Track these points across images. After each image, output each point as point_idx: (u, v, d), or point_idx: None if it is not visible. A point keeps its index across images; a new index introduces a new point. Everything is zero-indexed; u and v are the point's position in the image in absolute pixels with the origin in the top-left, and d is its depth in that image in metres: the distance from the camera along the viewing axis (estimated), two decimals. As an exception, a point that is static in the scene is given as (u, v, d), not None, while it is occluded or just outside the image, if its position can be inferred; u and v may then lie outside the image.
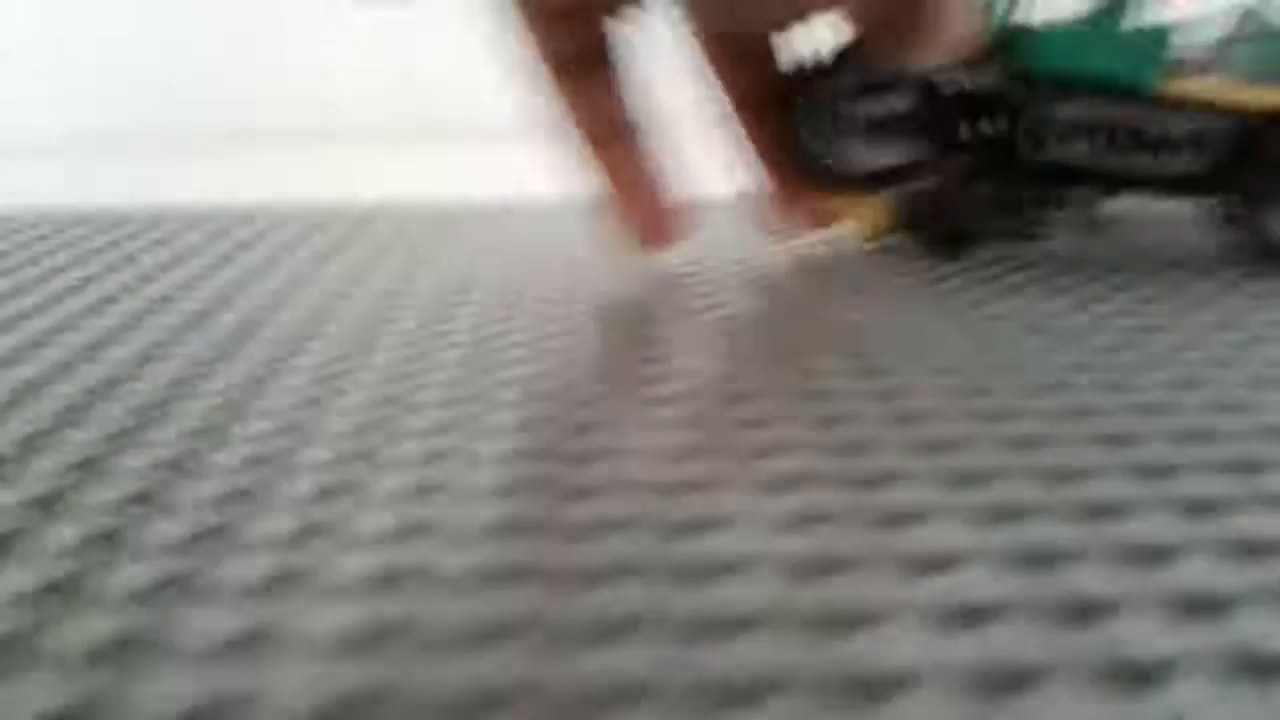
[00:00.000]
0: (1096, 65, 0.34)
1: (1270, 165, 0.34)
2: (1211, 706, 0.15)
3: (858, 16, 0.31)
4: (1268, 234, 0.34)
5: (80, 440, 0.23)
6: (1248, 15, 0.36)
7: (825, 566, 0.18)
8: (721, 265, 0.36)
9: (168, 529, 0.19)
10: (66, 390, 0.26)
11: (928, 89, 0.34)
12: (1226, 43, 0.36)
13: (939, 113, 0.34)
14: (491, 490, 0.20)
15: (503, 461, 0.21)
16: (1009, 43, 0.34)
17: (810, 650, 0.16)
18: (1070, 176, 0.35)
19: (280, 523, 0.19)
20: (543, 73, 0.31)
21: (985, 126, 0.34)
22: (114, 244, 0.41)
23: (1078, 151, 0.34)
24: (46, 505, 0.20)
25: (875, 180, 0.34)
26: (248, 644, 0.16)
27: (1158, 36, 0.33)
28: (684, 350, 0.27)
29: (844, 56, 0.33)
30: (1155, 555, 0.18)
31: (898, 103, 0.34)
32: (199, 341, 0.29)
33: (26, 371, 0.27)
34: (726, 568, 0.18)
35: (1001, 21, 0.34)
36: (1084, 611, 0.16)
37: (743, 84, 0.34)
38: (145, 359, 0.28)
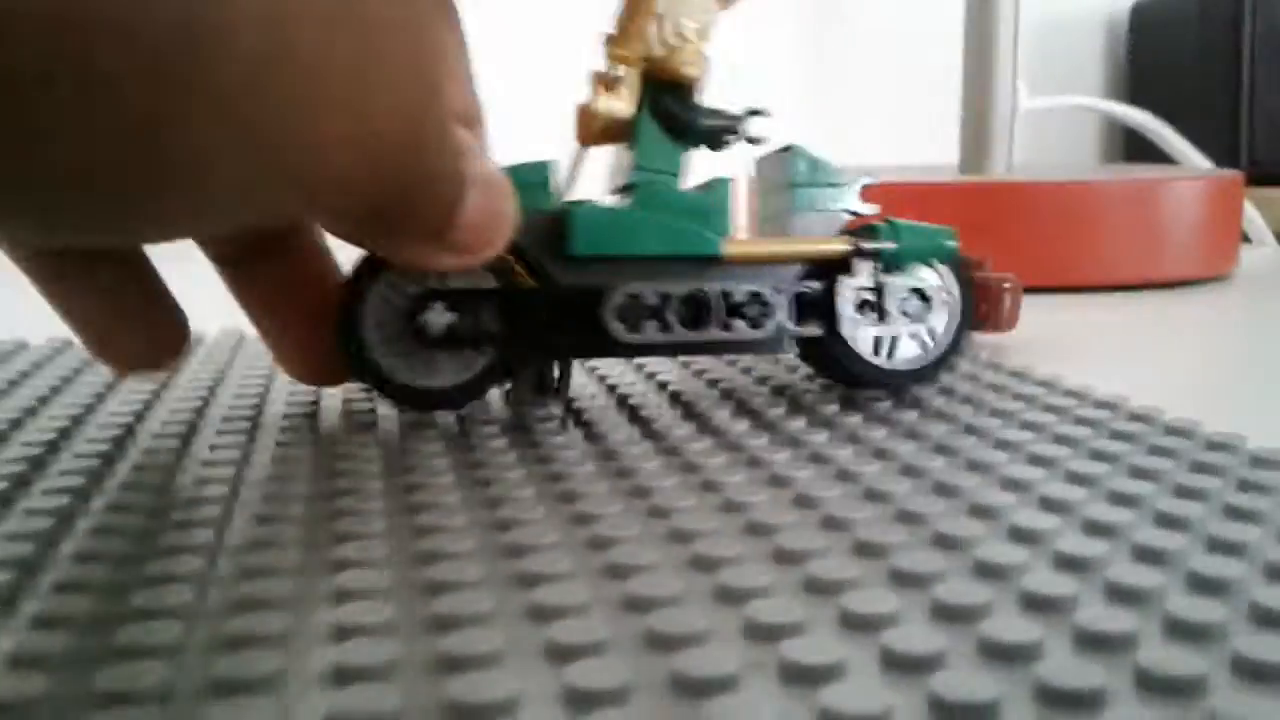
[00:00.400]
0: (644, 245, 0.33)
1: None
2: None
3: (335, 216, 0.25)
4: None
5: None
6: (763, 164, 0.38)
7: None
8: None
9: None
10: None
11: (484, 295, 0.32)
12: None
13: (504, 318, 0.32)
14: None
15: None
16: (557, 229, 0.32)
17: None
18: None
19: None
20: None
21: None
22: None
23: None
24: None
25: (445, 398, 0.32)
26: None
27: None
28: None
29: (372, 263, 0.31)
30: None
31: (450, 315, 0.32)
32: None
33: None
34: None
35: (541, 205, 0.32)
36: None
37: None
38: None
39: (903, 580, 0.22)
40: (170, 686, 0.18)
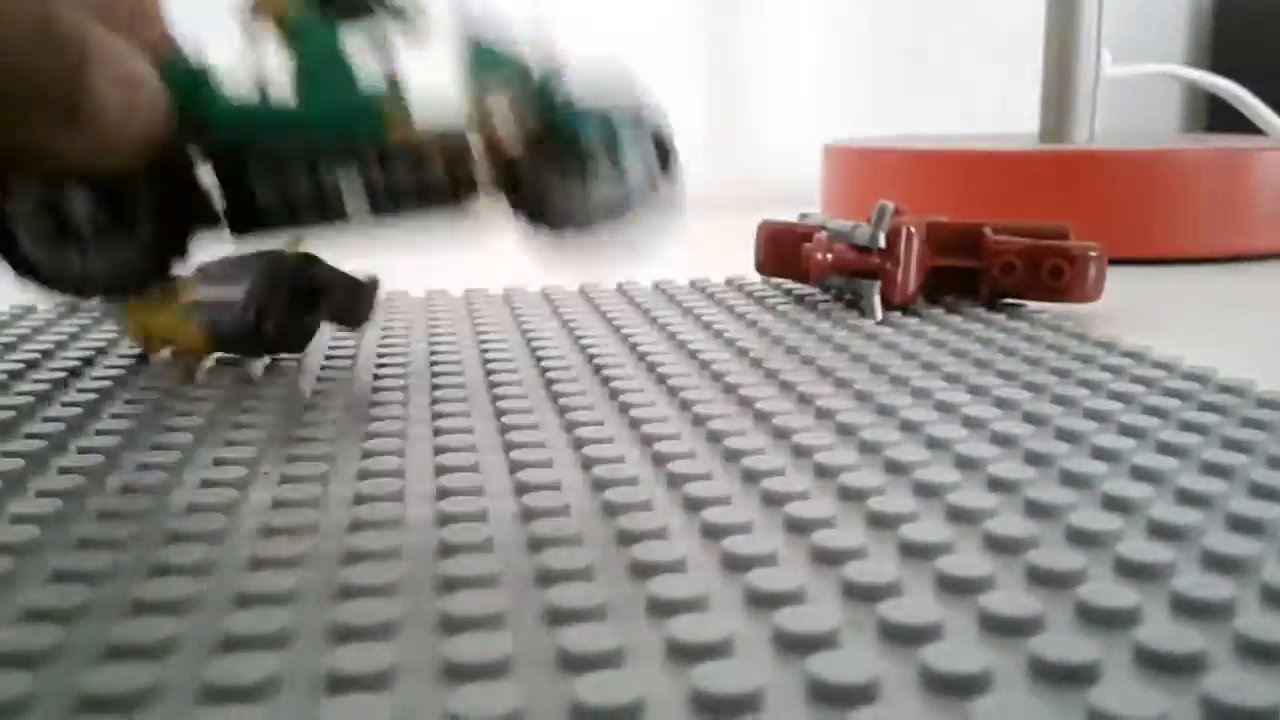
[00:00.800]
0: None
1: None
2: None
3: None
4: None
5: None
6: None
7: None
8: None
9: None
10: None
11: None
12: None
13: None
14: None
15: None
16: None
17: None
18: None
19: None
20: None
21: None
22: None
23: None
24: None
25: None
26: None
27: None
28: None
29: None
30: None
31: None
32: None
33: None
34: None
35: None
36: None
37: None
38: None
39: (996, 545, 0.22)
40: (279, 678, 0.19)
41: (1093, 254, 0.46)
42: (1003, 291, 0.47)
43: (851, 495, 0.25)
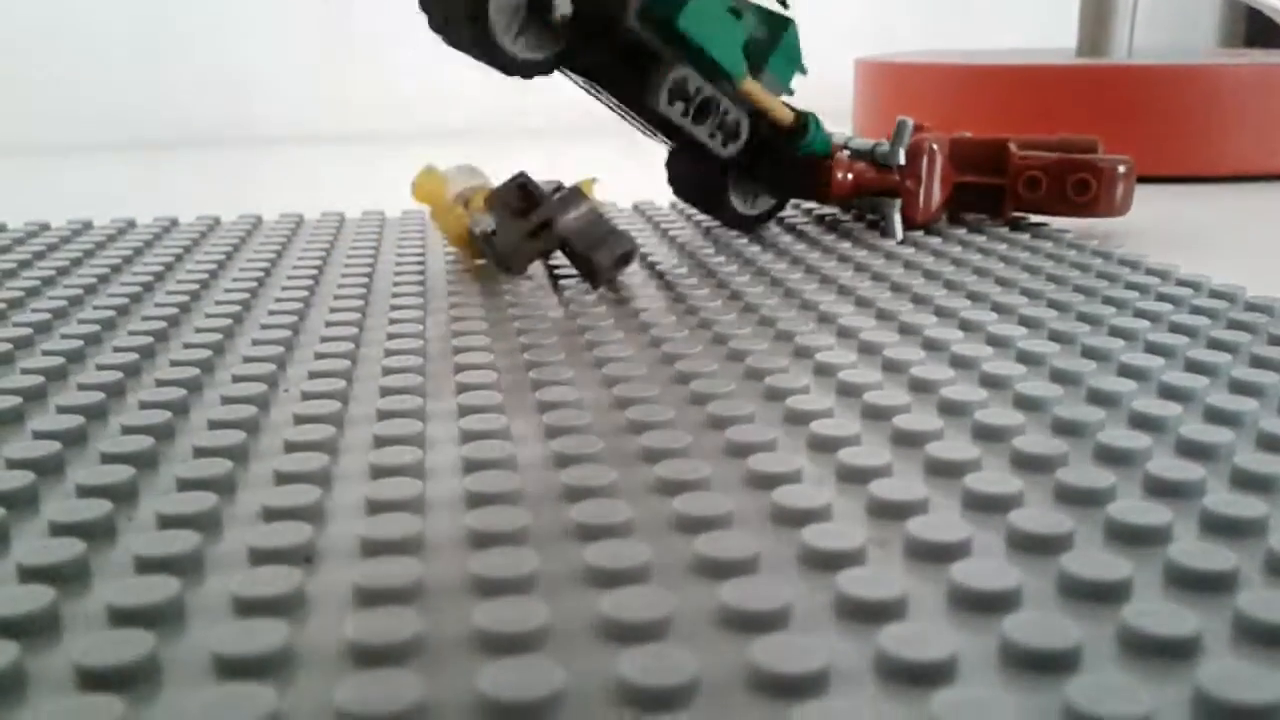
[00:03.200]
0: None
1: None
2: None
3: None
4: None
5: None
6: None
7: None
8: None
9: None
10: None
11: None
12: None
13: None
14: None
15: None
16: None
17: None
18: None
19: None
20: None
21: None
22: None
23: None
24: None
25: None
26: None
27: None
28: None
29: None
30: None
31: None
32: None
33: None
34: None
35: None
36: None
37: None
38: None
39: (1023, 463, 0.22)
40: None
41: (1121, 168, 0.45)
42: (1029, 207, 0.46)
43: (877, 413, 0.25)
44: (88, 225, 0.50)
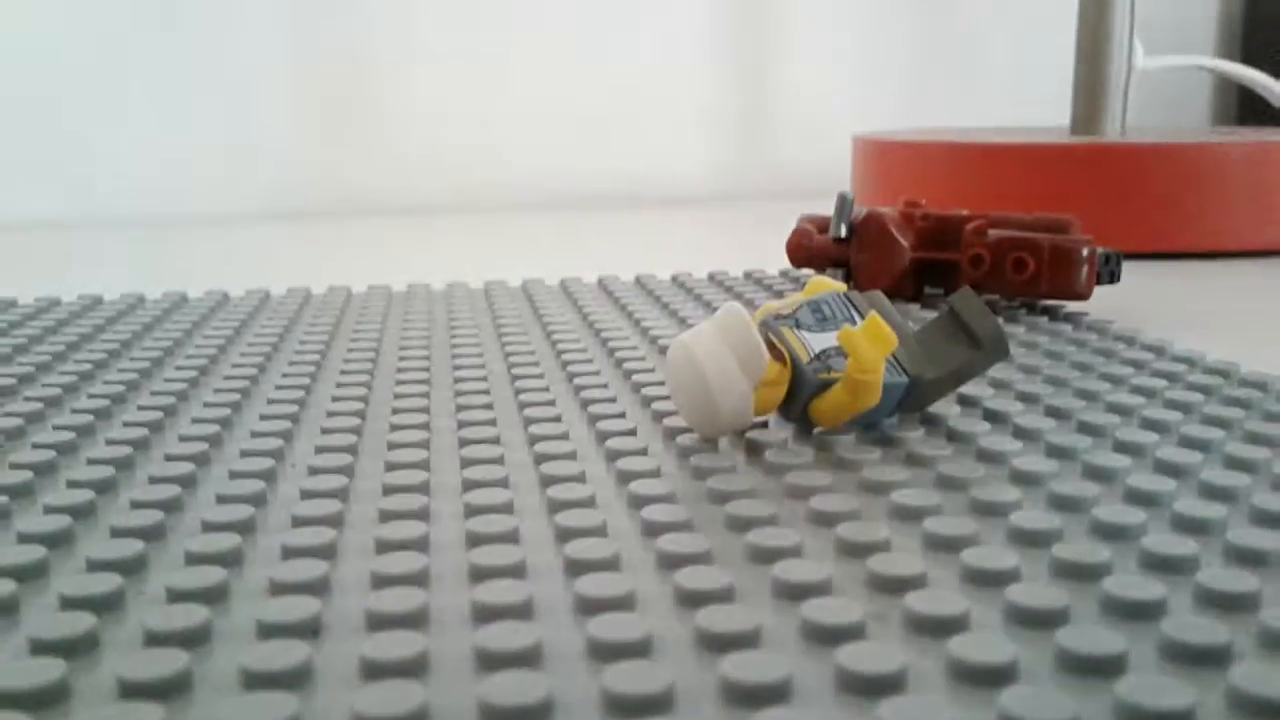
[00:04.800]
0: None
1: None
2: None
3: None
4: None
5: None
6: None
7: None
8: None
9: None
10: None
11: None
12: None
13: None
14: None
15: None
16: None
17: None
18: None
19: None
20: None
21: None
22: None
23: None
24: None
25: None
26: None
27: None
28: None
29: None
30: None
31: None
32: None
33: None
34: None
35: None
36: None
37: None
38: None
39: (1022, 539, 0.22)
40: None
41: (1066, 247, 0.44)
42: (975, 284, 0.46)
43: (876, 489, 0.25)
44: (97, 300, 0.51)
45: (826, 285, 0.31)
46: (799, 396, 0.29)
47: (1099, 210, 0.49)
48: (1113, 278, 0.45)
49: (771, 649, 0.18)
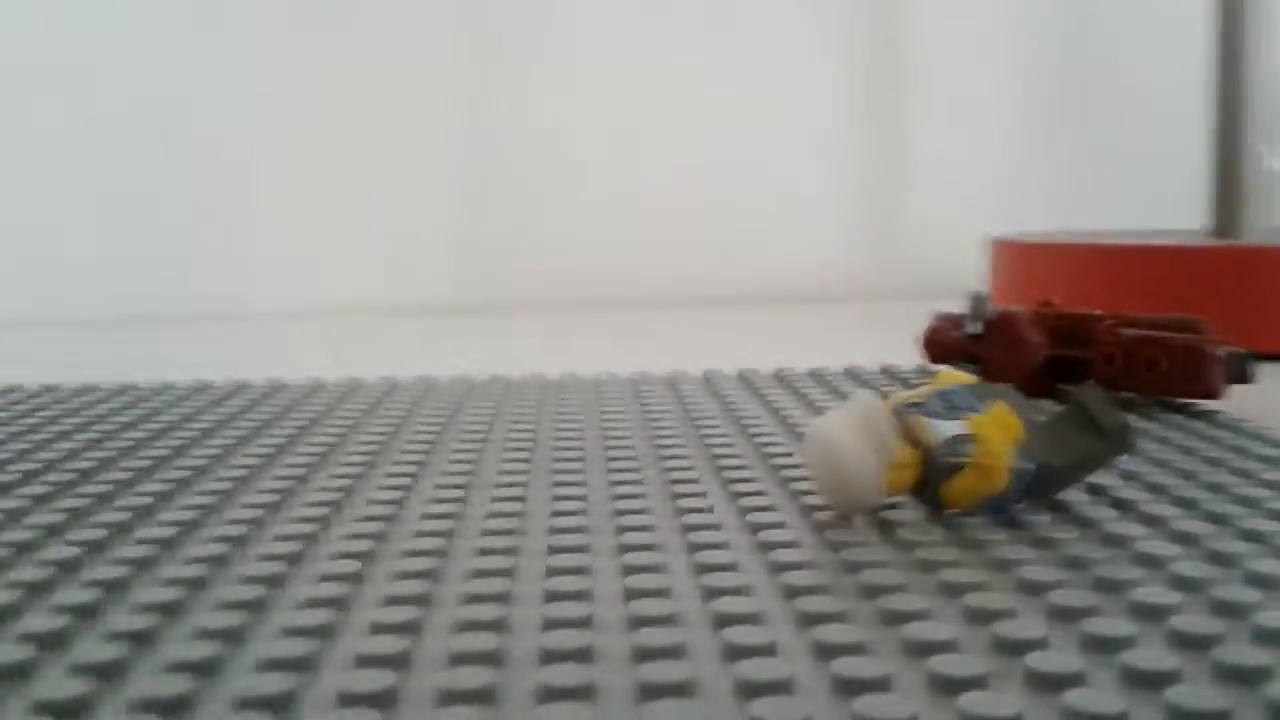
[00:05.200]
0: None
1: None
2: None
3: None
4: None
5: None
6: None
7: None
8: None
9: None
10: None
11: None
12: None
13: None
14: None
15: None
16: None
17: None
18: None
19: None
20: None
21: None
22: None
23: None
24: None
25: None
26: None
27: None
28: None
29: None
30: None
31: None
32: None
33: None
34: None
35: None
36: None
37: None
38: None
39: (1183, 641, 0.23)
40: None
41: (1198, 347, 0.44)
42: (1108, 383, 0.47)
43: (1033, 589, 0.26)
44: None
45: (956, 378, 0.33)
46: (931, 480, 0.31)
47: (1237, 313, 0.49)
48: (1244, 378, 0.46)
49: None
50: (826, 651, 0.22)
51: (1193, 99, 0.82)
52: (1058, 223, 1.04)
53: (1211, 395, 0.45)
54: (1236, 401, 0.49)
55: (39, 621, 0.24)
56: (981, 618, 0.24)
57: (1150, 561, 0.27)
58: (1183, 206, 0.98)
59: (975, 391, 0.32)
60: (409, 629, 0.23)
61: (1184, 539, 0.29)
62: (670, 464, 0.37)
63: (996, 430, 0.30)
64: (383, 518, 0.31)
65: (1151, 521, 0.30)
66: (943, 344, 0.50)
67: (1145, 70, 1.06)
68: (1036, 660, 0.21)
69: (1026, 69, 1.06)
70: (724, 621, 0.23)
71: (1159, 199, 1.04)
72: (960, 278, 0.98)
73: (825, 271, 1.01)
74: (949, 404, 0.32)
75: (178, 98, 0.92)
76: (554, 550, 0.28)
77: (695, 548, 0.28)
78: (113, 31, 0.91)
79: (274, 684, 0.21)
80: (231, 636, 0.23)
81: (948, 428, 0.31)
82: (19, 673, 0.22)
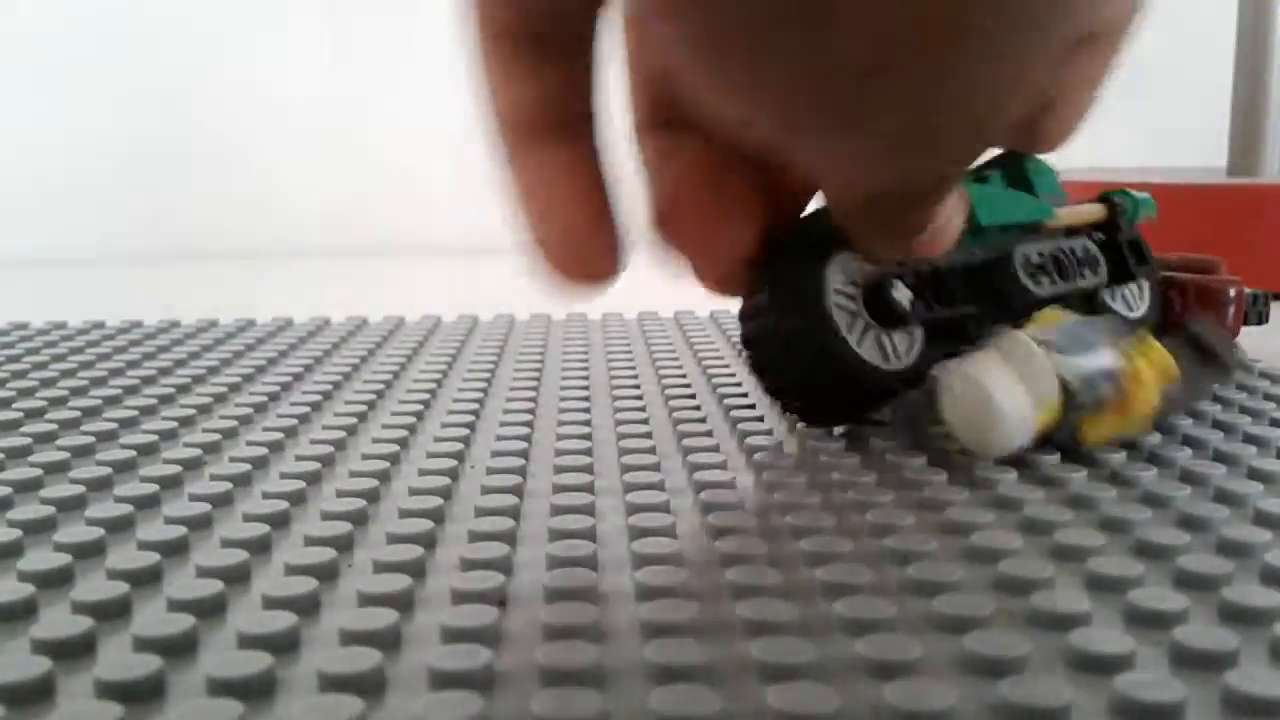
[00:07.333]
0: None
1: None
2: None
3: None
4: None
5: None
6: None
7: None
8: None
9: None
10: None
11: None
12: None
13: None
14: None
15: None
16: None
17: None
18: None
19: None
20: (479, 39, 0.23)
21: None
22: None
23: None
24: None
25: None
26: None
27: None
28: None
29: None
30: None
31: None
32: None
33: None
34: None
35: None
36: None
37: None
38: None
39: (1189, 582, 0.23)
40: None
41: (1213, 287, 0.43)
42: None
43: (1037, 529, 0.26)
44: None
45: (1056, 315, 0.31)
46: (1068, 420, 0.29)
47: (1257, 251, 0.47)
48: (1261, 318, 0.45)
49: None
50: (833, 591, 0.22)
51: (1219, 37, 0.79)
52: (1074, 160, 1.01)
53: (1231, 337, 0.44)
54: (1252, 341, 0.48)
55: (40, 559, 0.23)
56: (985, 557, 0.23)
57: (1157, 501, 0.27)
58: (1202, 145, 0.96)
59: (1091, 327, 0.31)
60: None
61: (1191, 478, 0.28)
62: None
63: (1154, 376, 0.29)
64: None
65: (1159, 462, 0.30)
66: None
67: (1169, 5, 1.02)
68: (1041, 600, 0.21)
69: None
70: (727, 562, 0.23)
71: (1179, 136, 1.02)
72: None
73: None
74: (1075, 339, 0.30)
75: None
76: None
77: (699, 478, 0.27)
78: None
79: (276, 622, 0.20)
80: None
81: (1080, 365, 0.29)
82: (22, 611, 0.22)
